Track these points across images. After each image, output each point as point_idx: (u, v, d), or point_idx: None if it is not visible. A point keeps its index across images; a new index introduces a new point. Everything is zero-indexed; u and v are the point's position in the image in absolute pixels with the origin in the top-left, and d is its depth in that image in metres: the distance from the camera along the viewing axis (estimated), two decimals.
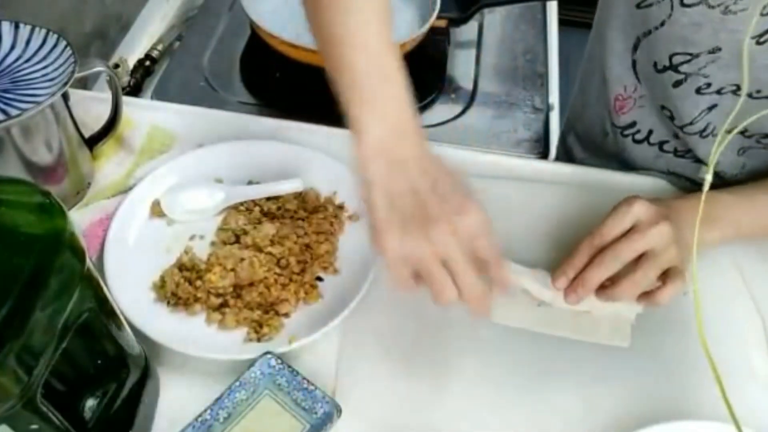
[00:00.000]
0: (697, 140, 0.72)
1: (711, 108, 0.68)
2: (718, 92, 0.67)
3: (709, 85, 0.66)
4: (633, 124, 0.77)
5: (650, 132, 0.76)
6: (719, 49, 0.63)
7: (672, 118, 0.72)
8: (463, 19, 1.13)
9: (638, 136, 0.77)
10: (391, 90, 0.54)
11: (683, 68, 0.66)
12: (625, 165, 0.81)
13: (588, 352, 0.63)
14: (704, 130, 0.71)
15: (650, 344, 0.64)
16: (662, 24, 0.65)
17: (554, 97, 1.10)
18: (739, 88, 0.65)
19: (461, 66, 1.11)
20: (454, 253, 0.50)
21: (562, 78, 1.15)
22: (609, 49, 0.76)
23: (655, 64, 0.69)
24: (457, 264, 0.50)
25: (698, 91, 0.67)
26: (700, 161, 0.75)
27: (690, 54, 0.65)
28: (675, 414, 0.57)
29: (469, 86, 1.07)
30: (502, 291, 0.53)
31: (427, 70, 1.10)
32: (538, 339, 0.64)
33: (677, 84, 0.68)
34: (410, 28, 1.07)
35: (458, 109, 1.04)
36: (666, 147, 0.76)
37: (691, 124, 0.71)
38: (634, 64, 0.72)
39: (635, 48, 0.71)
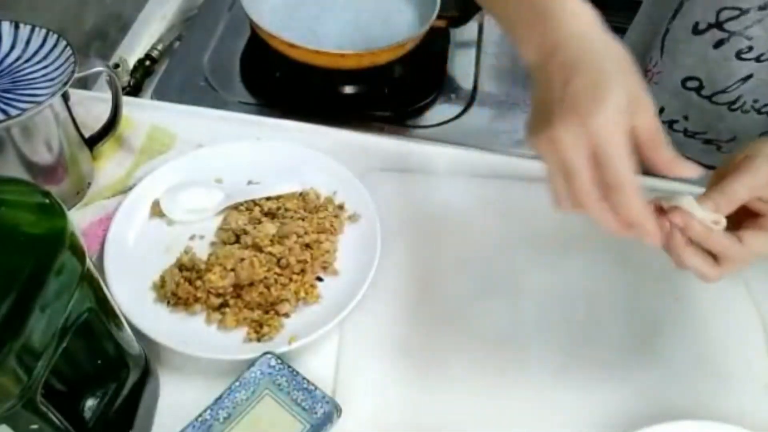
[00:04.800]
0: (724, 113, 0.71)
1: (746, 78, 0.68)
2: (758, 59, 0.66)
3: (750, 48, 0.66)
4: None
5: (661, 110, 0.76)
6: None
7: (699, 88, 0.71)
8: (463, 19, 1.13)
9: None
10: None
11: (729, 25, 0.65)
12: None
13: (588, 352, 0.63)
14: (734, 102, 0.70)
15: (650, 344, 0.64)
16: None
17: None
18: None
19: (461, 66, 1.11)
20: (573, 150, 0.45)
21: None
22: (650, 16, 0.76)
23: (696, 25, 0.68)
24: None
25: (738, 54, 0.66)
26: (710, 142, 0.74)
27: (739, 9, 0.64)
28: (675, 414, 0.57)
29: (469, 86, 1.07)
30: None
31: (427, 70, 1.10)
32: (539, 339, 0.64)
33: (718, 44, 0.67)
34: (410, 28, 1.07)
35: (458, 109, 1.04)
36: (676, 126, 0.76)
37: (723, 92, 0.70)
38: (665, 33, 0.72)
39: (674, 14, 0.70)
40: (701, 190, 0.74)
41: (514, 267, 0.69)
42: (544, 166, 0.48)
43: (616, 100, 0.45)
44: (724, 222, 0.49)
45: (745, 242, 0.49)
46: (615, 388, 0.61)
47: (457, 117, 1.03)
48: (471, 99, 1.05)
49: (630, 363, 0.62)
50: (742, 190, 0.49)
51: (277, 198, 0.71)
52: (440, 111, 1.04)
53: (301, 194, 0.72)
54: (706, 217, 0.49)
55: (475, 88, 1.07)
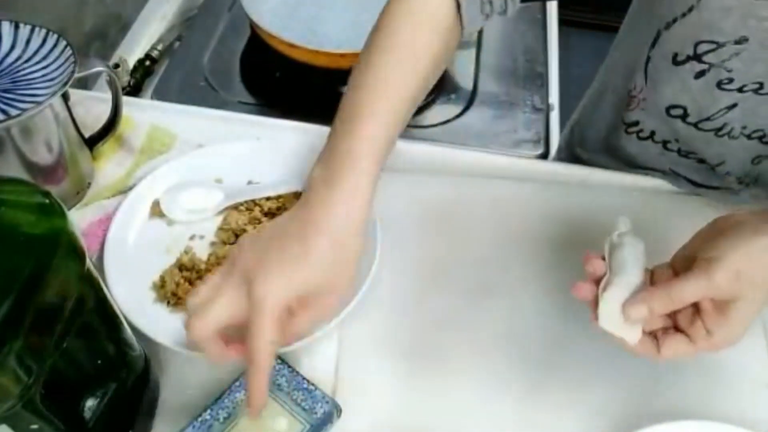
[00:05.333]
0: (711, 138, 0.71)
1: (731, 107, 0.68)
2: (740, 90, 0.66)
3: (731, 80, 0.66)
4: (636, 122, 0.77)
5: (653, 132, 0.76)
6: (746, 40, 0.62)
7: (684, 116, 0.71)
8: None
9: (642, 134, 0.77)
10: (352, 173, 0.53)
11: (708, 58, 0.65)
12: (629, 162, 0.81)
13: (588, 352, 0.63)
14: (721, 128, 0.70)
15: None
16: (690, 9, 0.64)
17: (554, 97, 1.10)
18: (762, 86, 0.64)
19: (461, 66, 1.11)
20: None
21: (562, 78, 1.15)
22: (630, 41, 0.76)
23: (675, 56, 0.68)
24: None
25: (719, 85, 0.66)
26: (703, 162, 0.75)
27: (716, 43, 0.64)
28: (675, 414, 0.57)
29: (469, 86, 1.07)
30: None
31: None
32: (539, 339, 0.64)
33: (699, 75, 0.67)
34: None
35: (458, 109, 1.04)
36: (669, 146, 0.76)
37: (708, 119, 0.70)
38: (647, 61, 0.72)
39: (653, 43, 0.70)
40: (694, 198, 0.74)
41: (514, 267, 0.69)
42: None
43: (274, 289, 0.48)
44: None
45: (662, 352, 0.50)
46: (615, 388, 0.61)
47: (457, 117, 1.03)
48: (471, 99, 1.05)
49: (630, 363, 0.62)
50: (689, 297, 0.48)
51: (277, 198, 0.71)
52: (440, 111, 1.03)
53: (301, 194, 0.71)
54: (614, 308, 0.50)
55: (475, 88, 1.07)
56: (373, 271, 0.64)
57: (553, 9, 1.25)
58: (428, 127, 1.01)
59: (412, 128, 1.01)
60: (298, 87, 1.03)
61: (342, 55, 0.97)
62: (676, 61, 0.68)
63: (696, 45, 0.65)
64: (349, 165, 0.53)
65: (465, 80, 1.08)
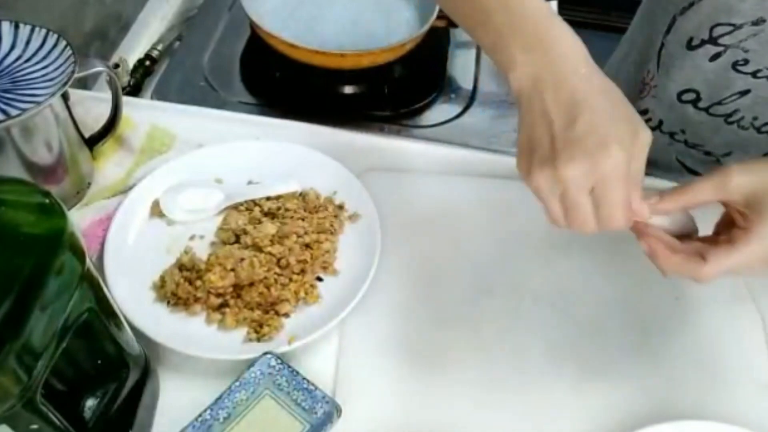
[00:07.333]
0: (720, 125, 0.71)
1: (743, 93, 0.68)
2: (754, 75, 0.66)
3: (746, 62, 0.65)
4: (646, 111, 0.77)
5: (661, 122, 0.76)
6: (764, 21, 0.62)
7: (696, 100, 0.71)
8: None
9: (650, 124, 0.77)
10: (550, 25, 0.52)
11: (724, 40, 0.65)
12: None
13: (588, 352, 0.63)
14: (731, 115, 0.70)
15: (650, 344, 0.64)
16: None
17: None
18: None
19: (461, 66, 1.11)
20: (576, 194, 0.47)
21: None
22: (644, 30, 0.76)
23: (690, 41, 0.68)
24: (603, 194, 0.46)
25: (735, 66, 0.66)
26: (709, 154, 0.75)
27: (733, 25, 0.64)
28: (675, 414, 0.57)
29: (469, 86, 1.07)
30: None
31: (427, 70, 1.10)
32: (539, 339, 0.64)
33: (714, 57, 0.67)
34: (410, 28, 1.07)
35: (458, 109, 1.04)
36: (677, 137, 0.76)
37: (719, 103, 0.70)
38: (661, 48, 0.72)
39: (668, 29, 0.70)
40: None
41: (514, 267, 0.69)
42: (539, 197, 0.50)
43: (620, 143, 0.46)
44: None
45: (709, 261, 0.49)
46: (615, 388, 0.61)
47: (457, 117, 1.03)
48: (471, 99, 1.05)
49: (630, 363, 0.62)
50: (701, 194, 0.49)
51: (277, 198, 0.71)
52: (440, 111, 1.04)
53: (301, 194, 0.72)
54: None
55: (475, 88, 1.07)
56: (373, 270, 0.64)
57: (553, 9, 1.25)
58: (428, 127, 1.01)
59: (412, 128, 1.02)
60: (298, 87, 1.03)
61: (342, 55, 0.97)
62: (690, 46, 0.68)
63: (712, 28, 0.65)
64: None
65: (465, 80, 1.09)
